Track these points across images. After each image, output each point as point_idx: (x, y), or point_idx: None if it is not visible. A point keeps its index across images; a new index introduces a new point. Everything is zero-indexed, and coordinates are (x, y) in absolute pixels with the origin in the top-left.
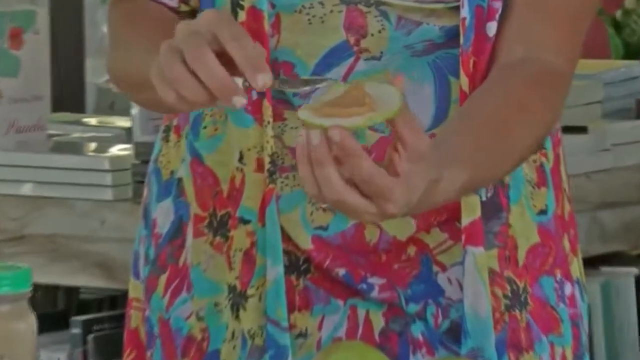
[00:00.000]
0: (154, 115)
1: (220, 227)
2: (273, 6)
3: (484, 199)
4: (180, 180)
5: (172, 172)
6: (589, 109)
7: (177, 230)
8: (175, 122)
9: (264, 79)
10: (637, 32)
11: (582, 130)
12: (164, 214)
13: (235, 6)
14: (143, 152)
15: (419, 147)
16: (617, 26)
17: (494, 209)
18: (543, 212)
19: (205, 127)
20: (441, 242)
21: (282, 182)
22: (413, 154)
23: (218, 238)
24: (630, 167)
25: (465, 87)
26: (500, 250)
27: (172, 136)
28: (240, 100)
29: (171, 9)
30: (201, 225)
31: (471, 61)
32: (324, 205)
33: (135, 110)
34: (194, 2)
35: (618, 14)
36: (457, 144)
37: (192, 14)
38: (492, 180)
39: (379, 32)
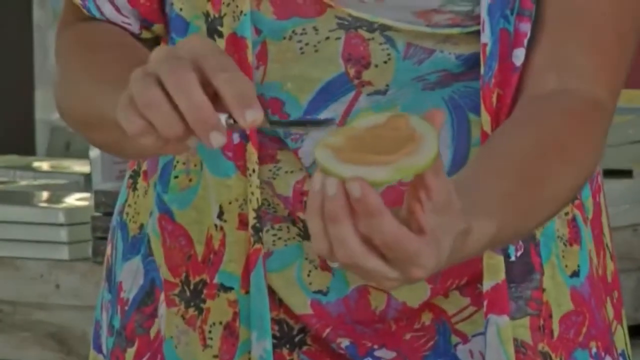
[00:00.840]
0: (118, 158)
1: (193, 296)
2: (259, 32)
3: (512, 258)
4: (151, 238)
5: (141, 226)
6: (634, 149)
7: (148, 295)
8: (144, 167)
9: (253, 116)
10: None
11: (626, 174)
12: (131, 276)
13: (213, 33)
14: (104, 202)
15: (445, 196)
16: None
17: (525, 271)
18: (576, 274)
19: (176, 177)
20: (462, 308)
21: (274, 235)
22: (438, 203)
23: (191, 310)
24: None
25: (487, 127)
26: (533, 318)
27: (141, 183)
28: (218, 138)
29: (132, 34)
30: (171, 293)
31: (494, 95)
32: (334, 265)
33: (95, 152)
34: (158, 29)
35: None
36: (483, 189)
37: (156, 41)
38: (524, 233)
39: (385, 62)
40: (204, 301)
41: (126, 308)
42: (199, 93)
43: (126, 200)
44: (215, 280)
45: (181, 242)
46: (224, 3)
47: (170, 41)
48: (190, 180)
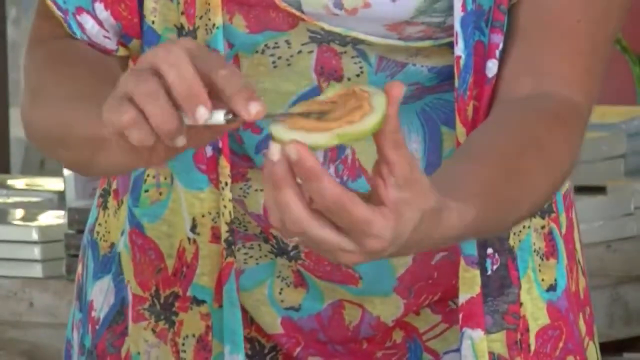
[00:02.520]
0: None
1: (164, 309)
2: (231, 46)
3: (489, 272)
4: (121, 255)
5: (112, 245)
6: (608, 165)
7: (119, 313)
8: (114, 186)
9: (256, 108)
10: None
11: (600, 190)
12: (102, 295)
13: None
14: (78, 220)
15: (407, 169)
16: None
17: (502, 284)
18: (552, 287)
19: (146, 191)
20: (433, 325)
21: (246, 254)
22: (401, 178)
23: (161, 323)
24: None
25: (463, 139)
26: (509, 333)
27: (111, 202)
28: (204, 113)
29: (108, 52)
30: (141, 307)
31: (469, 107)
32: (294, 240)
33: (69, 170)
34: (135, 45)
35: None
36: (464, 177)
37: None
38: (502, 227)
39: (357, 75)
40: (176, 314)
41: (97, 327)
42: (189, 68)
43: (96, 219)
44: (188, 293)
45: (151, 256)
46: (197, 16)
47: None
48: (160, 193)
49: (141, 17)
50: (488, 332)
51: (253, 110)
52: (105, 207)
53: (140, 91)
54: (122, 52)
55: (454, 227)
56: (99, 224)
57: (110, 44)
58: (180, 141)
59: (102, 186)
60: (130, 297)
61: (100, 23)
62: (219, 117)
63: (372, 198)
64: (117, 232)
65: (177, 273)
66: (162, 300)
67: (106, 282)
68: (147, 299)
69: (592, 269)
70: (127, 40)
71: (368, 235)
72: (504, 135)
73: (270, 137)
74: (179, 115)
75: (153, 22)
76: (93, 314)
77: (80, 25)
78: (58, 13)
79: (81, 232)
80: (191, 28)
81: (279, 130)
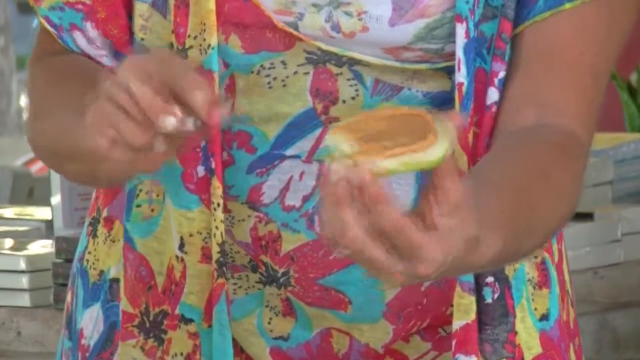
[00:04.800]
0: (79, 204)
1: (153, 327)
2: (227, 66)
3: (489, 300)
4: (113, 281)
5: (101, 273)
6: (596, 192)
7: (107, 340)
8: (105, 213)
9: (217, 113)
10: None
11: (587, 217)
12: (92, 323)
13: None
14: (66, 248)
15: (457, 198)
16: (632, 92)
17: (501, 313)
18: (545, 317)
19: (138, 206)
20: (423, 352)
21: (235, 284)
22: (451, 205)
23: (150, 341)
24: None
25: (464, 165)
26: None
27: (101, 230)
28: (169, 120)
29: (104, 66)
30: (130, 324)
31: (470, 134)
32: (343, 253)
33: (56, 198)
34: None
35: (633, 77)
36: (487, 206)
37: None
38: (518, 257)
39: (352, 98)
40: (165, 332)
41: (87, 354)
42: (146, 88)
43: (86, 247)
44: (177, 312)
45: (142, 273)
46: (190, 36)
47: None
48: (152, 210)
49: (132, 34)
50: None
51: (215, 115)
52: (94, 236)
53: (106, 111)
54: None
55: (485, 257)
56: (89, 252)
57: (106, 60)
58: (159, 147)
59: (92, 215)
60: (119, 317)
61: (91, 41)
62: (189, 123)
63: (419, 221)
64: (107, 259)
65: (166, 291)
66: (151, 318)
67: (96, 309)
68: (136, 316)
69: (579, 295)
70: (119, 57)
71: (419, 259)
72: (515, 168)
73: (265, 159)
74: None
75: (142, 39)
76: (83, 341)
77: (74, 42)
78: (52, 30)
79: (69, 260)
80: (180, 47)
81: (338, 143)
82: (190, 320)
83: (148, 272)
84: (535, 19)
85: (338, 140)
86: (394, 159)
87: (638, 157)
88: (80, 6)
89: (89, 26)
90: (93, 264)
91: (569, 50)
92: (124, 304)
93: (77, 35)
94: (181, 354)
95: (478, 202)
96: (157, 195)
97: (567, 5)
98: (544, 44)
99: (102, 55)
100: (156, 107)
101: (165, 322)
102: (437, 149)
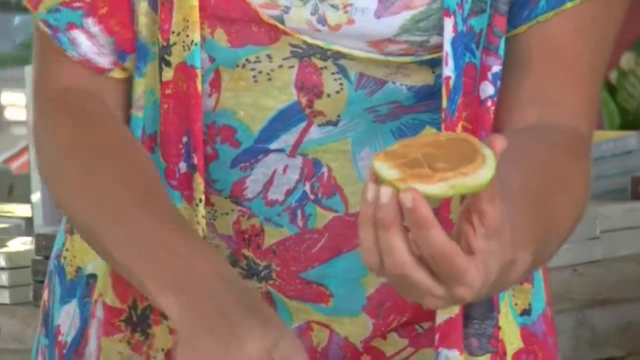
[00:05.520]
0: None
1: (140, 321)
2: (212, 60)
3: None
4: (90, 277)
5: (78, 269)
6: None
7: (81, 336)
8: None
9: None
10: (636, 97)
11: None
12: (69, 319)
13: (161, 62)
14: (45, 246)
15: (498, 222)
16: (612, 90)
17: (487, 308)
18: (526, 312)
19: None
20: (400, 349)
21: None
22: (490, 229)
23: (137, 335)
24: (624, 258)
25: None
26: (493, 356)
27: None
28: None
29: (101, 71)
30: (116, 320)
31: (458, 128)
32: (382, 280)
33: (36, 196)
34: (130, 62)
35: (612, 75)
36: (515, 223)
37: (127, 82)
38: (543, 263)
39: (337, 92)
40: (150, 326)
41: (64, 351)
42: None
43: (64, 244)
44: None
45: None
46: (174, 32)
47: (136, 71)
48: None
49: (134, 32)
50: (474, 354)
51: None
52: (72, 232)
53: None
54: (117, 73)
55: (519, 277)
56: (66, 249)
57: (104, 62)
58: None
59: None
60: (101, 312)
61: (91, 37)
62: None
63: (459, 243)
64: (84, 256)
65: None
66: (139, 312)
67: (72, 306)
68: (124, 310)
69: (558, 293)
70: (122, 57)
71: (460, 283)
72: (532, 176)
73: (249, 153)
74: None
75: (144, 37)
76: (60, 338)
77: (72, 42)
78: (47, 30)
79: (49, 258)
80: (165, 44)
81: (383, 169)
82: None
83: None
84: (538, 18)
85: (383, 167)
86: (443, 183)
87: (617, 154)
88: (77, 4)
89: (90, 22)
90: (70, 260)
91: (570, 48)
92: (110, 300)
93: (77, 34)
94: (162, 350)
95: (510, 221)
96: None
97: (569, 5)
98: (546, 43)
99: (100, 59)
100: None
101: (152, 316)
102: (485, 172)
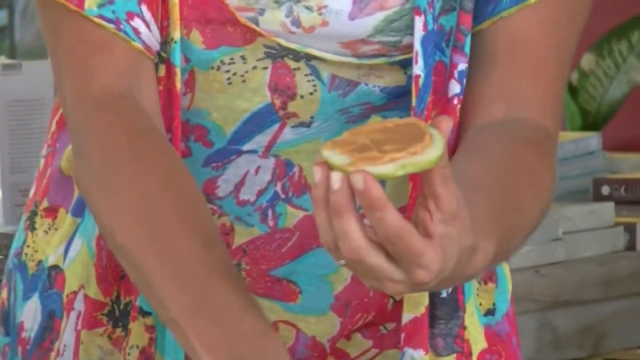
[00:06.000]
0: (20, 201)
1: (122, 316)
2: (188, 61)
3: (444, 295)
4: (52, 268)
5: (39, 263)
6: None
7: (44, 330)
8: (45, 204)
9: None
10: (596, 98)
11: None
12: (32, 315)
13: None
14: (7, 245)
15: (454, 206)
16: (573, 91)
17: (452, 308)
18: (490, 312)
19: None
20: (364, 350)
21: None
22: (447, 213)
23: (118, 330)
24: (587, 259)
25: None
26: (459, 356)
27: (41, 221)
28: None
29: (154, 55)
30: (99, 313)
31: None
32: (341, 263)
33: None
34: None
35: (574, 76)
36: (476, 212)
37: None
38: (505, 258)
39: (310, 93)
40: (130, 322)
41: (28, 347)
42: None
43: (24, 242)
44: (137, 303)
45: (116, 261)
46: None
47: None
48: None
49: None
50: (439, 355)
51: None
52: (33, 229)
53: None
54: (162, 54)
55: (480, 265)
56: (27, 246)
57: (155, 45)
58: None
59: (29, 210)
60: (82, 305)
61: (147, 25)
62: None
63: (417, 229)
64: (48, 248)
65: None
66: (121, 307)
67: (34, 301)
68: (107, 304)
69: (520, 294)
70: (163, 45)
71: (418, 266)
72: (497, 168)
73: (221, 154)
74: None
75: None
76: (23, 334)
77: (135, 30)
78: (109, 25)
79: (8, 257)
80: (162, 40)
81: (332, 156)
82: (148, 314)
83: None
84: (502, 14)
85: (332, 154)
86: (393, 163)
87: (578, 156)
88: None
89: (145, 9)
90: (32, 256)
91: (534, 44)
92: (93, 292)
93: (137, 22)
94: (137, 347)
95: (469, 209)
96: None
97: (532, 0)
98: (510, 38)
99: (153, 43)
100: None
101: (131, 312)
102: (433, 150)
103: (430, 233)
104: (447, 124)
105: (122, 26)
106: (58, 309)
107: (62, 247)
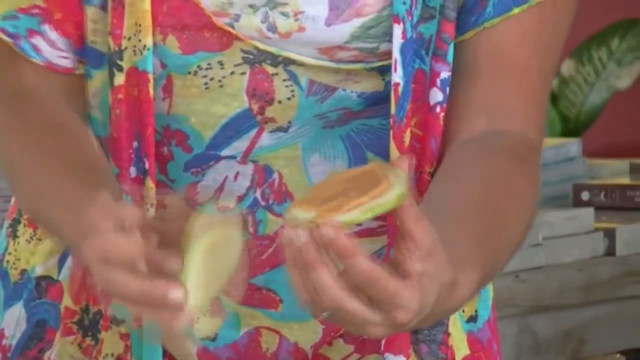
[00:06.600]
0: (2, 206)
1: (91, 326)
2: (164, 66)
3: None
4: (41, 279)
5: (22, 272)
6: None
7: (31, 338)
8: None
9: (174, 294)
10: (576, 105)
11: None
12: (14, 322)
13: (112, 67)
14: None
15: (429, 243)
16: (553, 97)
17: None
18: (472, 318)
19: None
20: (346, 355)
21: None
22: (423, 251)
23: (88, 339)
24: (566, 264)
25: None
26: None
27: (23, 230)
28: (176, 295)
29: (67, 72)
30: (70, 321)
31: (406, 134)
32: (323, 316)
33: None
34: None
35: (554, 83)
36: (460, 241)
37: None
38: (496, 274)
39: (288, 99)
40: (100, 331)
41: (9, 354)
42: (132, 282)
43: (6, 249)
44: (109, 312)
45: (85, 271)
46: (125, 37)
47: (86, 73)
48: None
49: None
50: None
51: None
52: (15, 236)
53: (120, 294)
54: (82, 69)
55: (464, 297)
56: (9, 253)
57: (68, 63)
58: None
59: (11, 216)
60: (61, 312)
61: (52, 44)
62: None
63: (395, 271)
64: (31, 258)
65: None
66: (90, 316)
67: (17, 309)
68: (77, 312)
69: (501, 299)
70: (81, 54)
71: (396, 307)
72: (477, 187)
73: (200, 159)
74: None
75: (95, 43)
76: (4, 342)
77: (34, 47)
78: (7, 39)
79: None
80: (117, 48)
81: (298, 215)
82: (121, 321)
83: None
84: (485, 25)
85: (298, 213)
86: (358, 209)
87: (558, 162)
88: (35, 10)
89: (47, 28)
90: (14, 264)
91: (517, 54)
92: (66, 300)
93: (38, 40)
94: (112, 355)
95: (449, 241)
96: None
97: (516, 11)
98: (493, 49)
99: (64, 61)
100: (159, 299)
101: (101, 322)
102: (396, 189)
103: (407, 273)
104: (407, 161)
105: (20, 42)
106: (51, 319)
107: (55, 258)
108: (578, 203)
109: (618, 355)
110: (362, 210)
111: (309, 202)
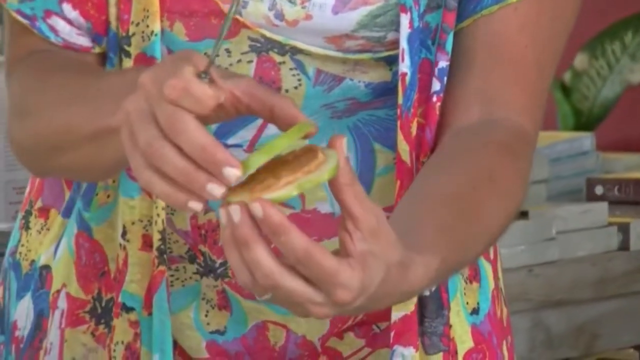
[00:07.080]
0: (14, 198)
1: (104, 314)
2: (171, 52)
3: (427, 293)
4: (43, 268)
5: (32, 263)
6: (531, 190)
7: (36, 328)
8: (39, 204)
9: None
10: (589, 98)
11: (522, 215)
12: (25, 313)
13: (121, 52)
14: (1, 242)
15: (372, 222)
16: (566, 91)
17: (437, 307)
18: (475, 311)
19: (97, 194)
20: (357, 349)
21: (172, 276)
22: (367, 231)
23: (101, 327)
24: (580, 259)
25: (406, 156)
26: (445, 355)
27: (35, 221)
28: (231, 172)
29: (85, 50)
30: (81, 311)
31: (413, 125)
32: (264, 297)
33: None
34: (105, 48)
35: (567, 76)
36: (424, 225)
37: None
38: (462, 266)
39: (295, 88)
40: (112, 319)
41: (21, 346)
42: (198, 136)
43: (19, 241)
44: (120, 299)
45: (96, 259)
46: (132, 23)
47: (108, 61)
48: (108, 196)
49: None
50: (427, 353)
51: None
52: (27, 228)
53: (151, 153)
54: (98, 49)
55: (421, 280)
56: (22, 245)
57: (86, 42)
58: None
59: (24, 208)
60: (65, 303)
61: (70, 22)
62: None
63: (340, 252)
64: (40, 248)
65: (116, 278)
66: (103, 304)
67: (27, 300)
68: (88, 302)
69: (513, 294)
70: (99, 39)
71: (336, 285)
72: (459, 176)
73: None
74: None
75: (117, 27)
76: (17, 333)
77: (52, 28)
78: (24, 21)
79: (3, 255)
80: (125, 34)
81: (235, 197)
82: (132, 309)
83: (102, 258)
84: (483, 12)
85: (235, 195)
86: (290, 185)
87: (572, 155)
88: None
89: (67, 7)
90: (25, 255)
91: (514, 44)
92: (74, 290)
93: (56, 20)
94: (122, 342)
95: (412, 224)
96: (113, 182)
97: None
98: (490, 37)
99: (81, 39)
100: (216, 164)
101: (114, 309)
102: (328, 164)
103: (349, 252)
104: (341, 142)
105: (37, 23)
106: (45, 308)
107: (53, 246)
108: (592, 197)
109: (631, 350)
110: (293, 187)
111: (243, 185)
